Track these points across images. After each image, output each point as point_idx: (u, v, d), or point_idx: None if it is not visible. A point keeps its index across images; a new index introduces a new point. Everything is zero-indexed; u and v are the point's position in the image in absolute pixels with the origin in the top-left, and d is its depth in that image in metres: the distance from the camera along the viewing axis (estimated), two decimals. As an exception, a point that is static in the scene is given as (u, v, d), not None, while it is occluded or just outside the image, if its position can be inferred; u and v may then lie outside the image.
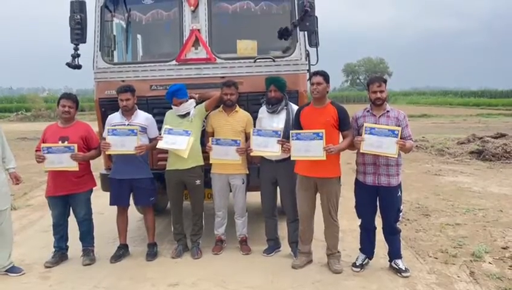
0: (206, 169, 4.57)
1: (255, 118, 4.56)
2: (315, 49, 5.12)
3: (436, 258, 4.45)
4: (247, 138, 4.44)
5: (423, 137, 15.16)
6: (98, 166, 5.50)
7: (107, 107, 4.74)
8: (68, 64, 4.78)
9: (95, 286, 3.92)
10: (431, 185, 8.00)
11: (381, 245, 4.31)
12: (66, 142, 4.23)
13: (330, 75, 4.13)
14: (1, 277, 4.15)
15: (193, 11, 4.71)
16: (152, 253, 4.60)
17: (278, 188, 4.57)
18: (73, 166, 4.20)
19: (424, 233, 5.25)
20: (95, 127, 4.93)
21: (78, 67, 4.84)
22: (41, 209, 6.39)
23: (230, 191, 4.68)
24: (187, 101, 4.42)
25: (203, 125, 4.62)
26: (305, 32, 4.76)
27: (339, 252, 4.30)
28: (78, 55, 4.80)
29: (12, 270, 4.19)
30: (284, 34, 4.39)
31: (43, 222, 5.78)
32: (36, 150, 4.26)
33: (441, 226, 5.48)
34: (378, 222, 4.22)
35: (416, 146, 13.10)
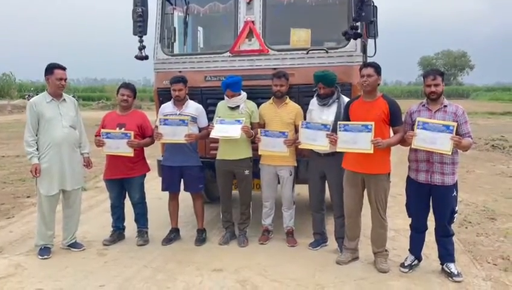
0: (255, 159, 4.62)
1: (306, 110, 4.51)
2: (373, 40, 4.96)
3: (495, 264, 4.14)
4: (297, 130, 4.41)
5: (502, 136, 14.08)
6: (154, 154, 5.75)
7: (164, 96, 4.94)
8: (136, 57, 5.06)
9: (145, 266, 4.14)
10: (502, 188, 7.40)
11: (434, 246, 4.08)
12: (123, 129, 4.49)
13: (405, 68, 4.14)
14: (64, 251, 4.52)
15: (248, 3, 4.74)
16: (201, 238, 4.75)
17: (326, 182, 4.49)
18: (129, 152, 4.44)
19: (486, 237, 4.90)
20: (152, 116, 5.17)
21: (146, 58, 5.08)
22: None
23: (279, 182, 4.69)
24: (239, 95, 4.49)
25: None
26: (363, 23, 4.60)
27: (386, 251, 4.14)
28: (144, 47, 5.04)
29: (74, 245, 4.55)
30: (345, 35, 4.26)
31: (107, 203, 6.12)
32: (96, 135, 4.55)
33: (506, 231, 5.08)
34: (431, 223, 4.00)
35: (492, 146, 12.24)
